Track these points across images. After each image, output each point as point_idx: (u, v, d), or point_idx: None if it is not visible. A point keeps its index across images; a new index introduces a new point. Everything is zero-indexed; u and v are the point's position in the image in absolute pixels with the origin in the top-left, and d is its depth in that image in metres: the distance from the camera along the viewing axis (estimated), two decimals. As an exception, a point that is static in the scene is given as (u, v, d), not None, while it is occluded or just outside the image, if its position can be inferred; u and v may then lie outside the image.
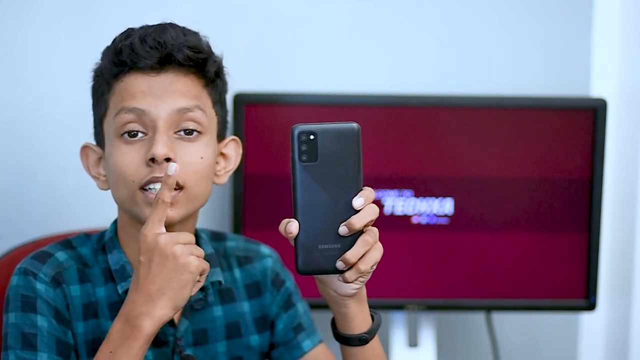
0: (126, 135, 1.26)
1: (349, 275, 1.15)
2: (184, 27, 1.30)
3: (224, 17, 1.87)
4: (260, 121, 1.76)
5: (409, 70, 1.92)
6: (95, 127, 1.33)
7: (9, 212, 1.86)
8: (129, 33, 1.29)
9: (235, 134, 1.74)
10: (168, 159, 1.24)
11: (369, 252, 1.15)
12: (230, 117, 1.75)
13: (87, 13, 1.83)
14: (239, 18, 1.88)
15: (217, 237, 1.44)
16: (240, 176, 1.76)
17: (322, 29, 1.90)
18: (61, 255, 1.32)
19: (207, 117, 1.29)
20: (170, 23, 1.30)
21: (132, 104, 1.25)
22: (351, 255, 1.14)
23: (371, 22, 1.91)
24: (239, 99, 1.75)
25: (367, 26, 1.91)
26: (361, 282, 1.18)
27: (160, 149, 1.23)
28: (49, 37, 1.83)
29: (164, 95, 1.25)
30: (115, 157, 1.26)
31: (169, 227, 1.27)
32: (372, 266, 1.16)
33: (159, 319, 1.19)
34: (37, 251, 1.32)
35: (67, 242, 1.35)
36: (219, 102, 1.33)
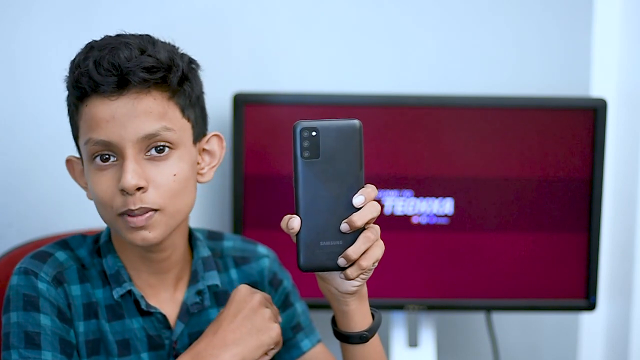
0: (98, 159, 1.25)
1: (350, 272, 1.15)
2: (141, 40, 1.26)
3: (223, 17, 1.87)
4: (260, 121, 1.76)
5: (409, 70, 1.92)
6: (74, 140, 1.32)
7: (8, 212, 1.85)
8: (86, 53, 1.25)
9: (235, 134, 1.74)
10: (140, 188, 1.23)
11: (370, 248, 1.15)
12: (230, 117, 1.76)
13: (86, 13, 1.83)
14: (239, 18, 1.88)
15: (214, 236, 1.44)
16: (240, 176, 1.76)
17: (322, 29, 1.90)
18: (61, 255, 1.31)
19: (176, 132, 1.26)
20: (126, 40, 1.25)
21: (97, 135, 1.24)
22: (352, 251, 1.14)
23: (371, 22, 1.91)
24: (239, 99, 1.75)
25: (367, 26, 1.91)
26: (362, 279, 1.18)
27: (130, 180, 1.22)
28: (48, 37, 1.83)
29: (127, 122, 1.23)
30: (92, 183, 1.26)
31: (149, 246, 1.28)
32: (374, 263, 1.16)
33: None
34: (36, 251, 1.32)
35: (64, 242, 1.35)
36: (189, 106, 1.29)
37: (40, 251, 1.32)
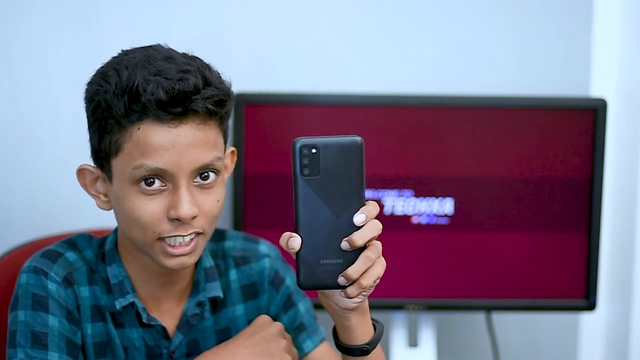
0: (143, 183, 1.21)
1: (350, 290, 1.13)
2: (200, 66, 1.22)
3: (224, 17, 1.87)
4: (260, 121, 1.76)
5: (409, 70, 1.92)
6: (96, 152, 1.26)
7: (8, 212, 1.85)
8: (143, 75, 1.18)
9: (235, 134, 1.75)
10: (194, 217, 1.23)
11: (371, 267, 1.13)
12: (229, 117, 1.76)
13: (86, 13, 1.83)
14: (239, 18, 1.88)
15: (216, 236, 1.42)
16: (240, 176, 1.76)
17: (322, 29, 1.90)
18: (71, 256, 1.31)
19: (223, 159, 1.27)
20: (187, 67, 1.21)
21: (153, 163, 1.20)
22: (353, 271, 1.12)
23: (371, 22, 1.91)
24: (239, 99, 1.74)
25: (367, 26, 1.91)
26: (363, 296, 1.16)
27: (187, 210, 1.21)
28: (47, 38, 1.83)
29: (186, 151, 1.20)
30: (132, 206, 1.22)
31: (182, 269, 1.29)
32: (375, 281, 1.14)
33: None
34: (46, 249, 1.31)
35: (72, 242, 1.33)
36: (227, 129, 1.30)
37: (49, 250, 1.31)
